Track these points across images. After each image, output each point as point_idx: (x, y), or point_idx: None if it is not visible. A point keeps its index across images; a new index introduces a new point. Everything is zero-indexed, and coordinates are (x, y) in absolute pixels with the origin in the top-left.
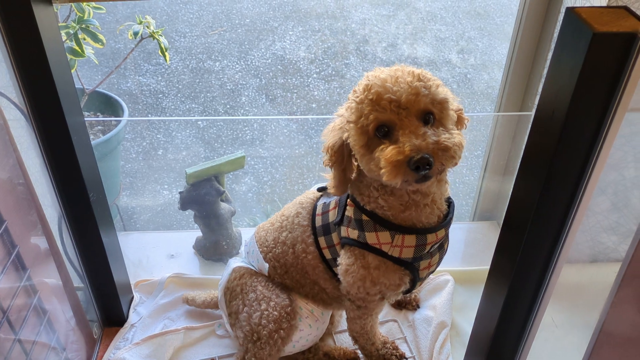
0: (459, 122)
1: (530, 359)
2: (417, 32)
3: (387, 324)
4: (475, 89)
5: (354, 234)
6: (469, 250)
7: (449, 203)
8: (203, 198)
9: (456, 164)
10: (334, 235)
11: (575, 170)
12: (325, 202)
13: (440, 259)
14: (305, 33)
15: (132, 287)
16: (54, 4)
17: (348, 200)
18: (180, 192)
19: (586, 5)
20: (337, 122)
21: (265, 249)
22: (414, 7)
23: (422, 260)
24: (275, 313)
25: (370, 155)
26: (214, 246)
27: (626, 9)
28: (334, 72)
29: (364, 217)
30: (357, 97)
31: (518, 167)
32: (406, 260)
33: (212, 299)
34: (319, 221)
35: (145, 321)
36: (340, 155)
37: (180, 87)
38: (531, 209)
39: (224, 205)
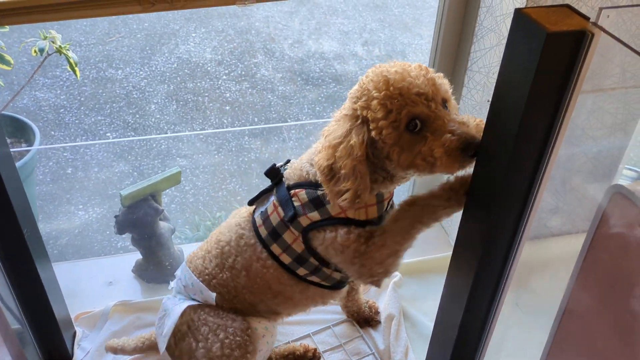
0: None
1: (494, 342)
2: (320, 26)
3: (342, 325)
4: None
5: (315, 216)
6: None
7: None
8: (142, 220)
9: None
10: (286, 236)
11: (532, 160)
12: (261, 211)
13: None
14: (209, 34)
15: (73, 321)
16: None
17: (291, 191)
18: (115, 216)
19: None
20: (342, 126)
21: (206, 277)
22: (315, 2)
23: (383, 219)
24: (238, 339)
25: (410, 151)
26: (157, 268)
27: (569, 7)
28: (243, 72)
29: (320, 192)
30: (378, 93)
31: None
32: (373, 221)
33: (143, 342)
34: (263, 232)
35: (92, 356)
36: (364, 159)
37: (82, 99)
38: (493, 199)
39: (163, 224)
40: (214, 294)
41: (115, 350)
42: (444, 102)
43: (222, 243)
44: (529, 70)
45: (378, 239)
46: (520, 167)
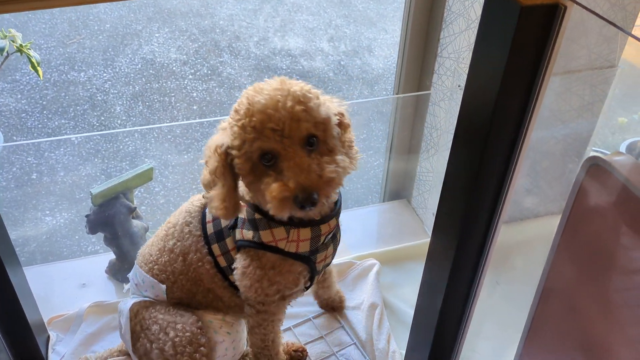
0: (342, 127)
1: (475, 324)
2: (285, 23)
3: (323, 316)
4: (350, 74)
5: (248, 234)
6: (385, 231)
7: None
8: (114, 218)
9: (341, 187)
10: (228, 241)
11: (508, 141)
12: None
13: (335, 249)
14: (173, 34)
15: (46, 325)
16: None
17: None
18: (86, 216)
19: None
20: (219, 137)
21: (150, 264)
22: None
23: (318, 252)
24: (188, 334)
25: (257, 184)
26: (132, 267)
27: None
28: (209, 72)
29: (257, 216)
30: (239, 120)
31: (451, 143)
32: (303, 254)
33: (111, 352)
34: (210, 228)
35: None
36: (225, 170)
37: (44, 103)
38: (469, 183)
39: (135, 222)
40: (164, 286)
41: None
42: (310, 137)
43: (170, 225)
44: (504, 45)
45: (263, 327)
46: (496, 148)
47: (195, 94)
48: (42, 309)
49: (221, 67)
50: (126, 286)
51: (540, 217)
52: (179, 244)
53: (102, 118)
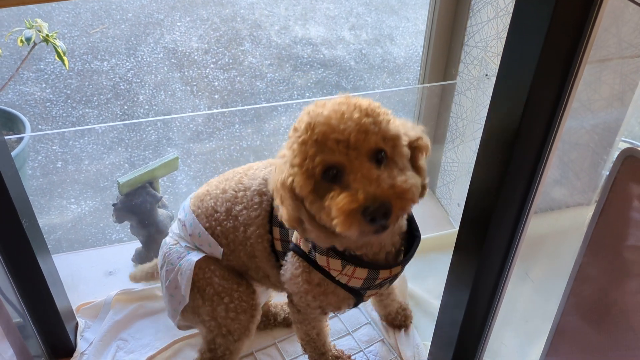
0: (420, 150)
1: (502, 315)
2: (306, 12)
3: (350, 311)
4: (372, 63)
5: (306, 246)
6: None
7: (413, 236)
8: (140, 207)
9: (415, 203)
10: (290, 232)
11: (541, 132)
12: None
13: (388, 286)
14: (194, 23)
15: (74, 313)
16: None
17: None
18: (113, 205)
19: None
20: (280, 162)
21: (213, 222)
22: None
23: (369, 289)
24: (244, 304)
25: (320, 203)
26: (158, 255)
27: None
28: (231, 60)
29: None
30: (300, 136)
31: (479, 133)
32: (353, 287)
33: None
34: (276, 211)
35: (96, 346)
36: (291, 196)
37: (68, 92)
38: (500, 174)
39: (161, 211)
40: (222, 250)
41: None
42: (378, 151)
43: (242, 186)
44: (539, 36)
45: (304, 324)
46: (529, 138)
47: (217, 83)
48: (70, 296)
49: (242, 55)
50: (173, 225)
51: (569, 208)
52: (244, 212)
53: (125, 107)
